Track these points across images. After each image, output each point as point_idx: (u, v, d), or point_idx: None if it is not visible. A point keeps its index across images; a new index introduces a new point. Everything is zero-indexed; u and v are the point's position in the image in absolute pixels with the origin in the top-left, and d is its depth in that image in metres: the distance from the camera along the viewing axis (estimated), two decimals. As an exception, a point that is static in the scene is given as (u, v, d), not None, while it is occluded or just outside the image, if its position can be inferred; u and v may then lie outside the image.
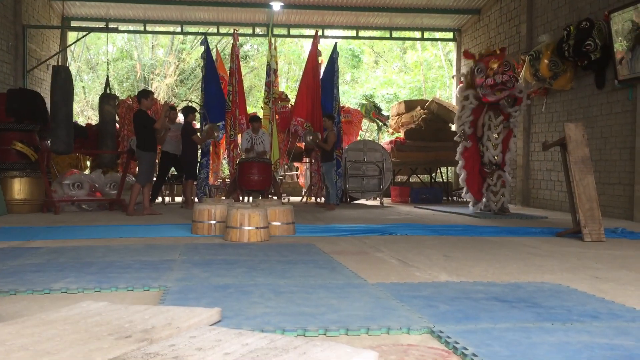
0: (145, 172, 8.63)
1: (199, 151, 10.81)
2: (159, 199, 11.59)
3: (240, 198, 10.39)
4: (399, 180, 15.46)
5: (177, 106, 13.98)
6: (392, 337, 2.45)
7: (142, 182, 8.60)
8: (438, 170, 14.85)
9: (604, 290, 3.47)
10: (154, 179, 10.13)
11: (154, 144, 8.69)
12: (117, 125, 12.45)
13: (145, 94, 8.75)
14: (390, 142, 14.15)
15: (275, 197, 10.49)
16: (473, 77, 9.16)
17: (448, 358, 2.19)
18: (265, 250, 5.07)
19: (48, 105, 11.07)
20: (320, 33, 13.68)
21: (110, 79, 12.43)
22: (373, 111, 14.70)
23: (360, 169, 12.15)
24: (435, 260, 4.61)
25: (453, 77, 16.06)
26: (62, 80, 9.20)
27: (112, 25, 14.47)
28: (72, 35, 15.84)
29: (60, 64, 13.87)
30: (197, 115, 11.07)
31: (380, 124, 15.20)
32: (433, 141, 13.38)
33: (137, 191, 8.58)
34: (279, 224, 6.37)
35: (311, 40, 12.46)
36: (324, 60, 12.33)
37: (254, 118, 11.15)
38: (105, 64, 20.88)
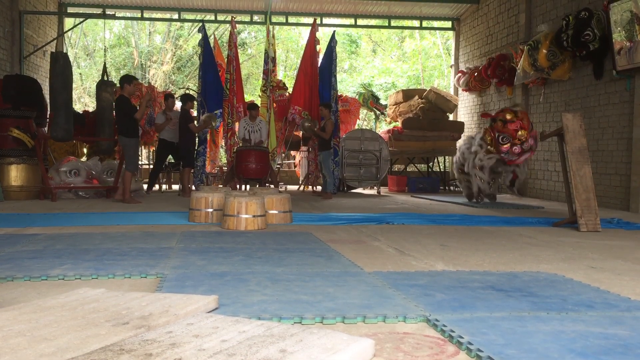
0: (133, 159, 8.60)
1: (197, 139, 10.78)
2: (156, 186, 11.59)
3: (238, 186, 10.39)
4: (396, 169, 15.47)
5: (175, 93, 13.93)
6: (388, 326, 2.47)
7: (133, 169, 8.59)
8: (435, 160, 14.85)
9: (599, 280, 3.49)
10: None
11: (137, 130, 8.63)
12: (114, 113, 12.39)
13: (128, 80, 8.61)
14: (388, 131, 14.13)
15: (272, 186, 10.50)
16: (496, 142, 8.73)
17: (444, 346, 2.20)
18: (262, 238, 5.08)
19: (45, 92, 11.04)
20: (318, 21, 13.61)
21: (107, 65, 12.35)
22: (371, 100, 14.65)
23: (357, 158, 12.14)
24: (432, 250, 4.62)
25: (451, 66, 16.02)
26: (61, 67, 9.15)
27: (109, 11, 14.35)
28: (69, 22, 15.71)
29: (57, 50, 13.79)
30: (195, 103, 11.03)
31: (378, 113, 15.16)
32: (431, 130, 13.37)
33: (129, 179, 8.56)
34: (276, 212, 6.38)
35: (309, 28, 12.40)
36: (322, 48, 12.28)
37: (252, 105, 11.13)
38: (103, 50, 20.77)
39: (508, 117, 8.61)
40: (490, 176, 9.13)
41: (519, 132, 8.49)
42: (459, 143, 9.69)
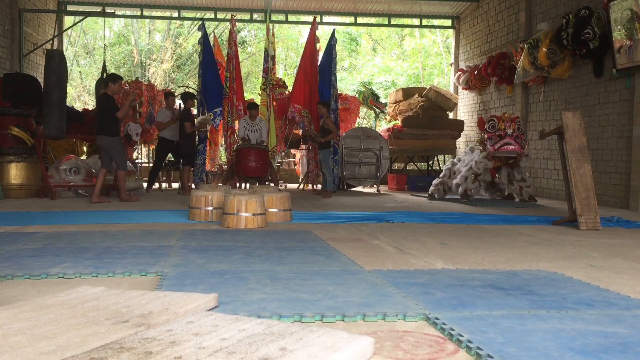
0: (121, 157, 8.49)
1: (196, 137, 10.77)
2: (156, 185, 11.59)
3: (238, 184, 10.39)
4: (396, 167, 15.47)
5: (175, 92, 13.92)
6: (388, 324, 2.47)
7: (124, 167, 8.51)
8: (435, 158, 14.86)
9: (599, 279, 3.49)
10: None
11: (119, 129, 8.58)
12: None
13: (114, 79, 8.51)
14: (388, 129, 14.13)
15: (272, 184, 10.50)
16: (484, 134, 9.21)
17: (443, 344, 2.20)
18: (262, 236, 5.08)
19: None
20: (318, 19, 13.60)
21: (107, 64, 12.32)
22: (371, 98, 14.65)
23: (357, 157, 12.14)
24: (432, 248, 4.62)
25: (451, 64, 16.01)
26: (56, 65, 9.12)
27: (108, 9, 14.34)
28: (68, 20, 15.71)
29: (56, 48, 13.77)
30: (195, 102, 11.02)
31: (378, 111, 15.17)
32: (430, 129, 13.38)
33: (123, 178, 8.48)
34: (275, 210, 6.38)
35: (309, 26, 12.40)
36: (321, 47, 12.27)
37: (252, 105, 11.11)
38: (102, 48, 20.75)
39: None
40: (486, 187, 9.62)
41: (505, 116, 8.83)
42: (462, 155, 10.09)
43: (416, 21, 17.04)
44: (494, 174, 9.32)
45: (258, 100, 12.53)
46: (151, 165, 12.33)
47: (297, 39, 25.33)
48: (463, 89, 14.65)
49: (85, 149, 12.83)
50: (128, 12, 16.43)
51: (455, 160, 10.08)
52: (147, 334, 2.00)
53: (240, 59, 15.67)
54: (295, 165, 16.28)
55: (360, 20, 16.91)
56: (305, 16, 15.79)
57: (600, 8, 8.80)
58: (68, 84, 10.13)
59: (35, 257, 3.83)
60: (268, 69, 11.69)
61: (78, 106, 20.08)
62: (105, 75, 11.79)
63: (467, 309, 2.66)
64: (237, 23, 15.14)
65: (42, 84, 10.27)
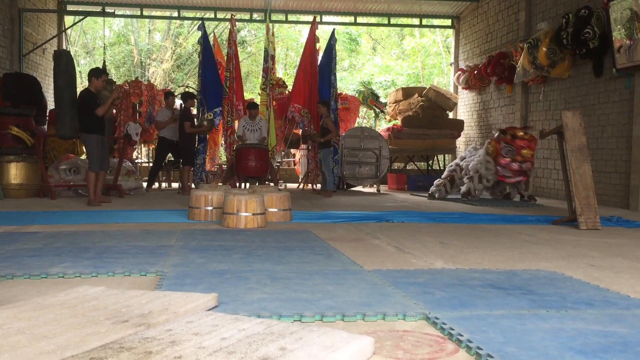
0: (95, 157, 7.86)
1: (196, 137, 10.77)
2: (156, 184, 11.58)
3: (237, 184, 10.39)
4: (395, 167, 15.47)
5: (174, 91, 13.91)
6: (387, 323, 2.47)
7: (94, 168, 7.88)
8: (435, 158, 14.86)
9: (598, 278, 3.49)
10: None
11: (100, 127, 7.96)
12: (114, 111, 12.40)
13: (97, 74, 8.09)
14: (388, 129, 14.13)
15: (272, 184, 10.49)
16: (497, 153, 8.95)
17: (443, 344, 2.21)
18: (262, 236, 5.08)
19: (47, 90, 11.00)
20: (318, 19, 13.59)
21: (107, 63, 12.31)
22: (370, 98, 14.65)
23: (357, 156, 12.13)
24: (432, 248, 4.62)
25: (451, 64, 16.01)
26: (65, 65, 9.05)
27: (108, 9, 14.35)
28: (68, 19, 15.70)
29: (57, 48, 13.78)
30: (195, 101, 11.01)
31: (378, 111, 15.16)
32: (430, 129, 13.37)
33: (92, 180, 7.92)
34: (275, 210, 6.38)
35: (309, 26, 12.39)
36: (321, 46, 12.27)
37: (252, 105, 11.10)
38: (102, 48, 20.75)
39: (519, 133, 8.84)
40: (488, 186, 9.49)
41: (524, 150, 8.63)
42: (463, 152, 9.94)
43: (416, 21, 17.03)
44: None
45: (258, 100, 12.52)
46: (151, 164, 12.32)
47: (297, 39, 25.31)
48: (463, 88, 14.64)
49: (84, 148, 12.84)
50: (128, 11, 16.42)
51: (458, 161, 10.06)
52: (147, 334, 2.00)
53: (240, 59, 15.65)
54: (295, 164, 16.28)
55: (360, 20, 16.91)
56: (305, 16, 15.78)
57: (600, 8, 8.80)
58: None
59: (35, 257, 3.83)
60: (268, 69, 11.68)
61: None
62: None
63: (466, 308, 2.66)
64: (237, 23, 15.14)
65: (41, 84, 10.29)
